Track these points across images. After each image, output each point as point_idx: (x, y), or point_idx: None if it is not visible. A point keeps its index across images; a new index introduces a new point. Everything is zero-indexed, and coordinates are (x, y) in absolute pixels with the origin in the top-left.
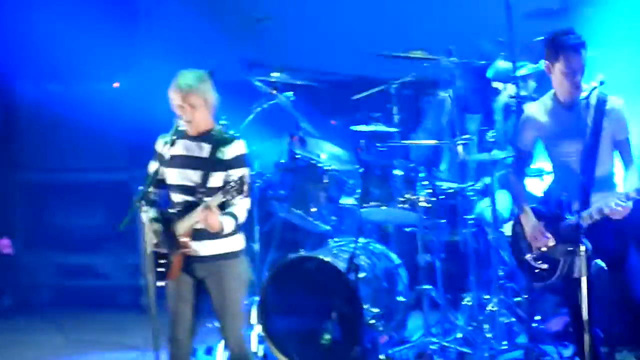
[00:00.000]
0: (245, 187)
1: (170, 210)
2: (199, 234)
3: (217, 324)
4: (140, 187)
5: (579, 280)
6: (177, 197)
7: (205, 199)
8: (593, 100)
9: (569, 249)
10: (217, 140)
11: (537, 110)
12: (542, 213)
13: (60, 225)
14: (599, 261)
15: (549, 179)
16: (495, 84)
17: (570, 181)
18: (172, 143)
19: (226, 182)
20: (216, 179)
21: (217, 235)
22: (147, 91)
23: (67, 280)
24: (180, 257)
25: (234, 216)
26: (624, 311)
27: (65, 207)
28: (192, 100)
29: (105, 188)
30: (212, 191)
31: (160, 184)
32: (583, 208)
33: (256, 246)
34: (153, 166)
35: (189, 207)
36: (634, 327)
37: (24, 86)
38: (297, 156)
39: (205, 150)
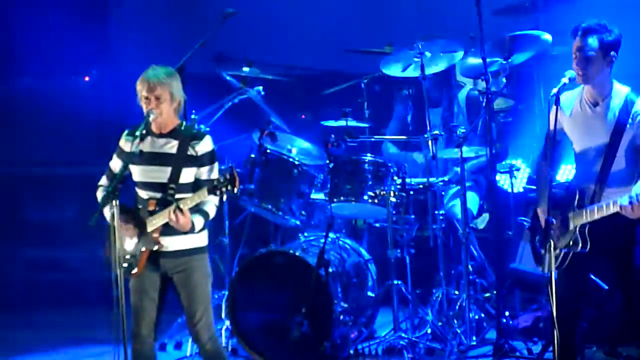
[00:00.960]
0: (237, 182)
1: (139, 207)
2: (167, 230)
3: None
4: (102, 182)
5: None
6: (144, 194)
7: (177, 195)
8: (620, 100)
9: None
10: (186, 137)
11: (567, 101)
12: (557, 199)
13: (30, 220)
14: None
15: (521, 175)
16: (459, 79)
17: (587, 175)
18: (141, 139)
19: (209, 180)
20: (187, 175)
21: (187, 232)
22: (117, 85)
23: (37, 275)
24: (147, 252)
25: (205, 214)
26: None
27: (35, 201)
28: (158, 92)
29: (75, 182)
30: (183, 187)
31: (123, 179)
32: (594, 202)
33: (226, 240)
34: (115, 161)
35: (157, 204)
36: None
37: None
38: (267, 151)
39: (173, 146)
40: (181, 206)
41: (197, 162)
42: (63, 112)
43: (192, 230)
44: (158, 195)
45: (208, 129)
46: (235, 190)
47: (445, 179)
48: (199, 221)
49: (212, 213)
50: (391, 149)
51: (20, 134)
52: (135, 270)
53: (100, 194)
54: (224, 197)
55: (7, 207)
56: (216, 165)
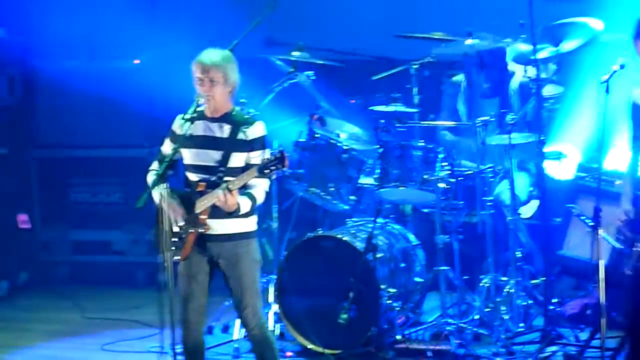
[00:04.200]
0: (287, 161)
1: (187, 189)
2: (215, 213)
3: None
4: (153, 167)
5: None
6: (194, 177)
7: (226, 178)
8: None
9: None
10: (238, 121)
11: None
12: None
13: (77, 202)
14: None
15: (570, 162)
16: (510, 67)
17: None
18: (192, 122)
19: (261, 160)
20: (237, 160)
21: (233, 214)
22: (167, 68)
23: (84, 257)
24: (194, 235)
25: (253, 198)
26: None
27: (83, 184)
28: (213, 74)
29: (123, 165)
30: (233, 171)
31: (174, 163)
32: None
33: (275, 225)
34: (167, 145)
35: (206, 186)
36: None
37: (43, 63)
38: (316, 135)
39: (225, 130)
40: (230, 187)
41: (248, 146)
42: (111, 95)
43: (237, 211)
44: (208, 177)
45: (258, 113)
46: (285, 168)
47: (498, 167)
48: (245, 203)
49: (259, 197)
50: (447, 136)
51: (68, 117)
52: (181, 254)
53: (150, 178)
54: (273, 176)
55: (55, 190)
56: (267, 151)
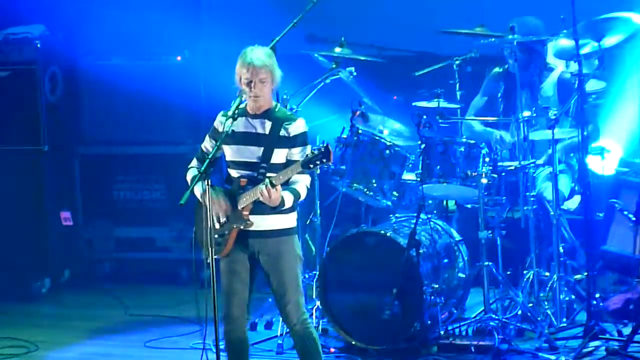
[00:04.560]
0: (331, 155)
1: (228, 186)
2: (257, 209)
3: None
4: (192, 164)
5: None
6: (236, 173)
7: (268, 174)
8: None
9: None
10: (279, 118)
11: None
12: None
13: (120, 199)
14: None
15: (612, 157)
16: (551, 61)
17: None
18: (234, 118)
19: (302, 155)
20: (279, 156)
21: (275, 210)
22: (209, 65)
23: (127, 254)
24: (236, 231)
25: (296, 193)
26: None
27: (126, 181)
28: (262, 75)
29: (166, 161)
30: (274, 167)
31: (215, 160)
32: None
33: (318, 221)
34: (208, 142)
35: (248, 182)
36: None
37: (86, 60)
38: (359, 131)
39: (267, 127)
40: (274, 181)
41: (289, 143)
42: (154, 92)
43: (281, 206)
44: (249, 174)
45: (300, 109)
46: (329, 163)
47: (540, 161)
48: (288, 198)
49: (302, 193)
50: (476, 126)
51: (110, 114)
52: (223, 250)
53: (190, 175)
54: (317, 171)
55: (98, 187)
56: (308, 147)
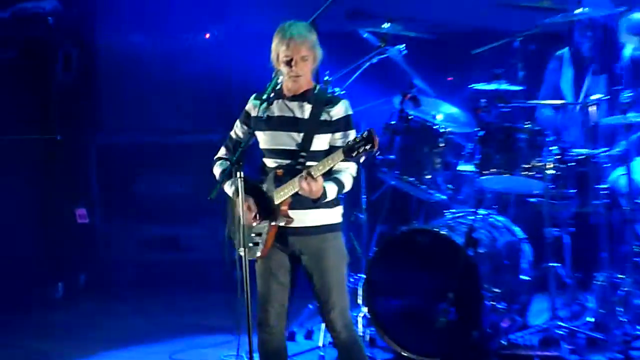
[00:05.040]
0: (376, 142)
1: (265, 178)
2: (297, 203)
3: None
4: (220, 155)
5: None
6: (272, 162)
7: (308, 163)
8: None
9: None
10: (320, 100)
11: None
12: None
13: (143, 193)
14: None
15: None
16: (622, 39)
17: None
18: (269, 102)
19: (344, 142)
20: (320, 142)
21: (318, 204)
22: (241, 44)
23: (151, 255)
24: (274, 229)
25: (340, 183)
26: None
27: (149, 173)
28: (304, 52)
29: (195, 151)
30: (315, 155)
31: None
32: None
33: (363, 217)
34: (238, 128)
35: (286, 172)
36: None
37: (104, 37)
38: (409, 117)
39: (306, 110)
40: (312, 172)
41: (332, 127)
42: (179, 74)
43: (323, 198)
44: (287, 163)
45: (343, 92)
46: (374, 150)
47: (614, 151)
48: (331, 189)
49: (347, 183)
50: (546, 111)
51: (131, 99)
52: (261, 250)
53: (218, 169)
54: (362, 159)
55: (117, 180)
56: (353, 132)
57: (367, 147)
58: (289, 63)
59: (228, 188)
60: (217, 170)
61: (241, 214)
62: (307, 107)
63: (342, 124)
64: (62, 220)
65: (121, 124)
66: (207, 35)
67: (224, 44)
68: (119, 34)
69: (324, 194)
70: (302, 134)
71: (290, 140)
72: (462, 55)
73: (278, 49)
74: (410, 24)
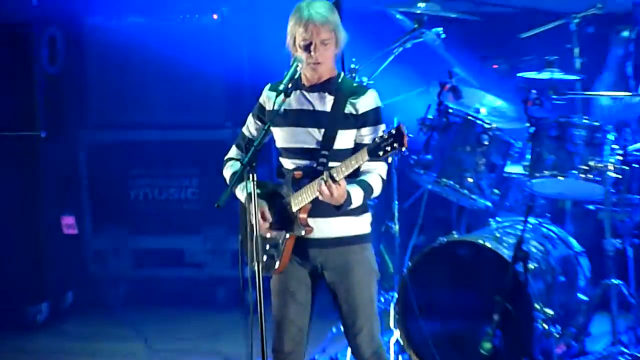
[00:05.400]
0: (406, 139)
1: (282, 181)
2: (318, 210)
3: (342, 329)
4: (231, 154)
5: None
6: (289, 163)
7: (331, 164)
8: None
9: None
10: (344, 91)
11: None
12: None
13: (140, 199)
14: None
15: None
16: None
17: None
18: (287, 94)
19: (371, 138)
20: (344, 139)
21: (341, 211)
22: (254, 26)
23: (149, 271)
24: (292, 240)
25: (367, 187)
26: None
27: (146, 176)
28: (324, 35)
29: (200, 150)
30: (339, 154)
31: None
32: None
33: (395, 227)
34: (252, 124)
35: (305, 175)
36: None
37: (95, 19)
38: (448, 110)
39: (328, 102)
40: (334, 174)
41: (358, 122)
42: (182, 61)
43: (347, 205)
44: (307, 164)
45: (372, 81)
46: (404, 149)
47: None
48: (357, 194)
49: (376, 187)
50: (604, 100)
51: (127, 89)
52: (277, 265)
53: (228, 171)
54: (390, 159)
55: (110, 184)
56: (382, 127)
57: (396, 145)
58: (307, 48)
59: (240, 193)
60: (227, 173)
61: (254, 222)
62: (329, 99)
63: (370, 118)
64: (47, 230)
65: (114, 119)
66: (215, 16)
67: (235, 26)
68: (112, 15)
69: (349, 200)
70: (323, 130)
71: (309, 137)
72: (509, 39)
73: (295, 32)
74: (450, 3)
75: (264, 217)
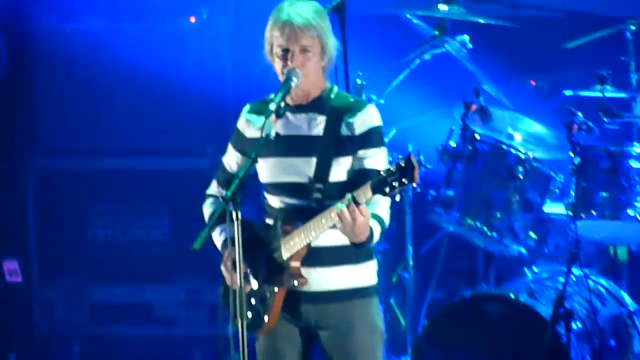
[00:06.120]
0: (416, 173)
1: (268, 221)
2: (312, 258)
3: None
4: (211, 190)
5: None
6: (276, 201)
7: (327, 201)
8: None
9: None
10: (337, 108)
11: None
12: None
13: (99, 240)
14: None
15: None
16: None
17: None
18: (280, 114)
19: (373, 170)
20: (342, 169)
21: (342, 258)
22: (238, 30)
23: (108, 328)
24: (282, 294)
25: (380, 220)
26: None
27: (107, 212)
28: (306, 41)
29: (172, 182)
30: (334, 189)
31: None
32: None
33: (409, 277)
34: (232, 154)
35: (296, 216)
36: None
37: (46, 20)
38: (475, 137)
39: (319, 125)
40: (357, 196)
41: (355, 145)
42: (153, 72)
43: (368, 241)
44: (298, 202)
45: (382, 101)
46: (414, 184)
47: None
48: (376, 228)
49: (387, 221)
50: None
51: (85, 107)
52: (265, 323)
53: (208, 209)
54: (397, 197)
55: (62, 221)
56: (384, 151)
57: (405, 180)
58: (283, 56)
59: (217, 237)
60: (206, 211)
61: (238, 269)
62: (320, 120)
63: (370, 139)
64: None
65: (69, 142)
66: (193, 19)
67: (216, 30)
68: (66, 16)
69: (371, 234)
70: (315, 159)
71: (299, 169)
72: (551, 49)
73: (271, 36)
74: (478, 5)
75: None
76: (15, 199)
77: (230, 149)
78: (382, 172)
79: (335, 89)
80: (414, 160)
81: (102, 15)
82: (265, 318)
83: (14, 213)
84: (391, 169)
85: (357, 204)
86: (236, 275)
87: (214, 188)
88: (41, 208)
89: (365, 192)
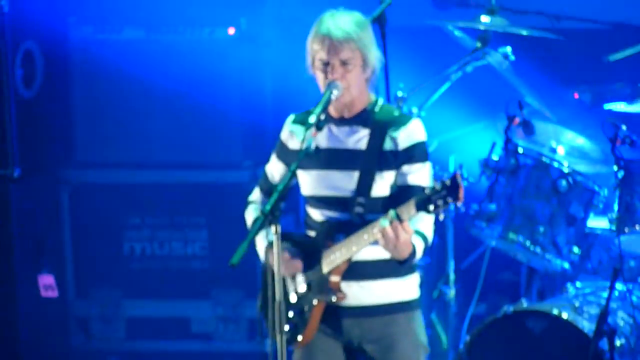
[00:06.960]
0: (462, 192)
1: (310, 234)
2: (354, 271)
3: None
4: (253, 197)
5: None
6: (318, 215)
7: (370, 216)
8: None
9: None
10: (381, 122)
11: None
12: None
13: (136, 255)
14: None
15: None
16: None
17: None
18: (319, 127)
19: (418, 187)
20: (385, 183)
21: (384, 272)
22: (280, 42)
23: (145, 343)
24: (320, 308)
25: (424, 237)
26: None
27: (144, 226)
28: (346, 54)
29: (210, 196)
30: (376, 204)
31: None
32: None
33: (451, 292)
34: (275, 164)
35: (337, 229)
36: None
37: (81, 32)
38: (518, 150)
39: (363, 138)
40: (402, 215)
41: (399, 160)
42: (191, 84)
43: (411, 259)
44: (339, 216)
45: (423, 113)
46: (459, 203)
47: None
48: (419, 245)
49: (430, 238)
50: None
51: (121, 120)
52: (301, 336)
53: (250, 215)
54: (442, 216)
55: (99, 235)
56: (428, 166)
57: (449, 199)
58: (324, 69)
59: (261, 245)
60: (248, 218)
61: (276, 282)
62: (364, 134)
63: (415, 154)
64: (20, 292)
65: (105, 155)
66: (232, 30)
67: (256, 42)
68: (102, 28)
69: (413, 251)
70: (357, 173)
71: (341, 182)
72: (595, 61)
73: (312, 49)
74: (521, 17)
75: (290, 263)
76: (51, 212)
77: (273, 158)
78: (426, 190)
79: (381, 101)
80: (459, 179)
81: (140, 26)
82: (303, 331)
83: (50, 227)
84: (436, 187)
85: (400, 221)
86: (290, 271)
87: (255, 195)
88: (77, 222)
89: (409, 210)
